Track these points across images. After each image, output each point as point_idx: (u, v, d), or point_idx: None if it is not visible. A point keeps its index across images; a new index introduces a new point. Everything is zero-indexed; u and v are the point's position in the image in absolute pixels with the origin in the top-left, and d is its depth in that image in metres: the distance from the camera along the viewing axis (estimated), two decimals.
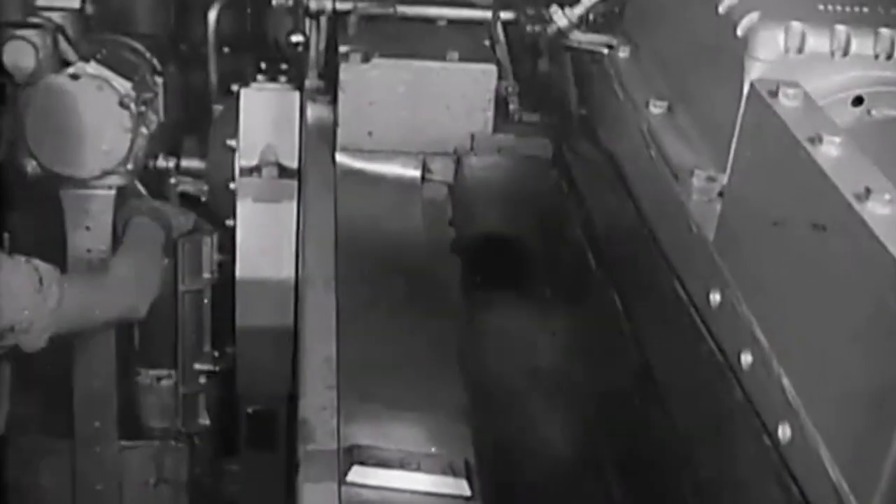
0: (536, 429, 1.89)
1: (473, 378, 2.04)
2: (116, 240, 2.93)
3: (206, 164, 3.09)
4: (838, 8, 1.73)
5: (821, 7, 1.73)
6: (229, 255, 2.99)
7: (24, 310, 2.25)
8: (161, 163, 3.09)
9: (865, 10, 1.73)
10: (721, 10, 1.78)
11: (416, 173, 2.58)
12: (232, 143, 2.91)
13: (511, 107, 2.63)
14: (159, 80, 3.04)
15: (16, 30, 2.81)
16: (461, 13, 2.70)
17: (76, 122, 2.85)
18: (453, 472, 1.81)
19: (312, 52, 2.71)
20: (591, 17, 2.38)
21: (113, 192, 2.95)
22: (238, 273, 2.90)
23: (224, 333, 3.13)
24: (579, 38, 2.32)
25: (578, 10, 2.32)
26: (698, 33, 1.88)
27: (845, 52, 1.68)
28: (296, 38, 2.68)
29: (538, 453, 1.82)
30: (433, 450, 1.85)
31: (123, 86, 2.87)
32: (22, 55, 2.79)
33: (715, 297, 1.59)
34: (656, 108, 1.96)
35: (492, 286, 2.30)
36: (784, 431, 1.36)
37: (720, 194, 1.69)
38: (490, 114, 2.58)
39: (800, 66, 1.65)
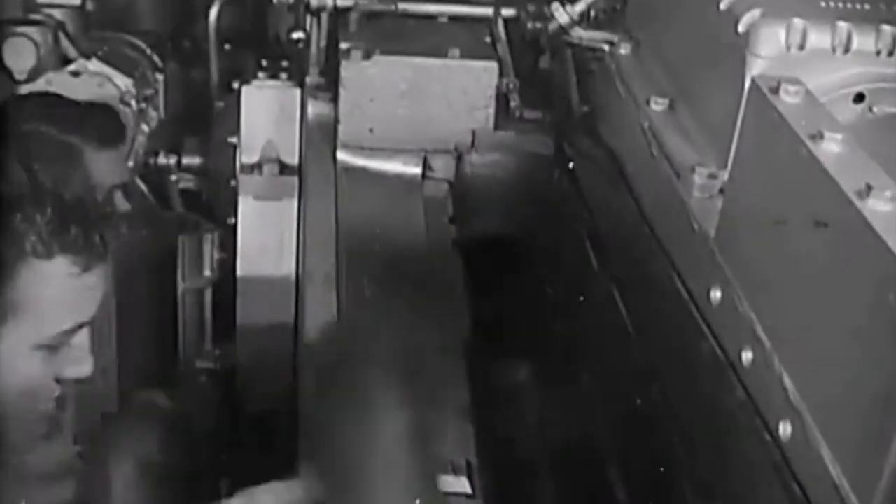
0: (536, 426, 1.88)
1: (474, 375, 2.04)
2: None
3: (207, 162, 3.09)
4: (839, 4, 1.73)
5: (822, 4, 1.73)
6: (230, 253, 2.99)
7: None
8: (162, 160, 3.09)
9: (867, 6, 1.72)
10: (722, 6, 1.77)
11: (417, 170, 2.57)
12: (233, 140, 2.90)
13: (512, 104, 2.62)
14: (160, 77, 3.05)
15: (17, 27, 2.82)
16: (462, 10, 2.69)
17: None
18: (454, 471, 1.80)
19: (313, 49, 2.70)
20: (592, 13, 2.38)
21: None
22: (239, 270, 2.89)
23: (225, 331, 3.13)
24: (581, 34, 2.31)
25: (580, 7, 2.32)
26: (700, 30, 1.87)
27: (847, 49, 1.67)
28: (297, 34, 2.68)
29: (538, 451, 1.82)
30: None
31: (124, 83, 2.87)
32: (23, 52, 2.79)
33: (716, 295, 1.58)
34: (657, 106, 1.95)
35: (492, 283, 2.29)
36: (785, 429, 1.36)
37: (721, 191, 1.68)
38: (491, 111, 2.57)
39: (801, 62, 1.65)
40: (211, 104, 3.13)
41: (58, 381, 1.71)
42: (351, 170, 2.56)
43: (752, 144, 1.52)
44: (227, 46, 3.18)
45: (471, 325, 2.16)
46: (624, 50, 2.18)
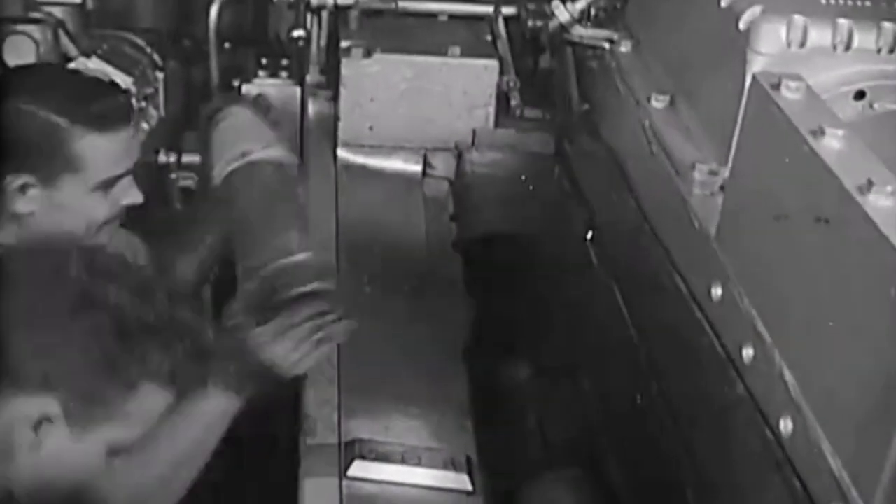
0: (537, 423, 1.89)
1: (474, 373, 2.04)
2: None
3: (207, 160, 3.08)
4: (840, 2, 1.73)
5: (823, 1, 1.73)
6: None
7: None
8: (162, 158, 3.08)
9: (867, 3, 1.73)
10: (723, 4, 1.78)
11: (418, 168, 2.58)
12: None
13: (513, 102, 2.62)
14: (160, 75, 3.04)
15: (17, 25, 2.81)
16: (462, 8, 2.69)
17: None
18: (455, 467, 1.80)
19: (314, 48, 2.70)
20: (592, 12, 2.38)
21: None
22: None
23: None
24: (581, 32, 2.32)
25: (580, 5, 2.32)
26: (700, 27, 1.88)
27: (847, 46, 1.68)
28: (297, 32, 2.68)
29: (539, 449, 1.82)
30: (434, 444, 1.85)
31: (125, 81, 2.86)
32: (23, 50, 2.79)
33: (716, 292, 1.59)
34: (658, 103, 1.95)
35: (492, 281, 2.29)
36: (786, 425, 1.36)
37: (722, 188, 1.69)
38: (491, 109, 2.58)
39: (802, 59, 1.65)
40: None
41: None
42: (351, 168, 2.56)
43: (753, 140, 1.53)
44: (227, 45, 3.18)
45: (470, 322, 2.16)
46: (624, 48, 2.18)
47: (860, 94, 1.68)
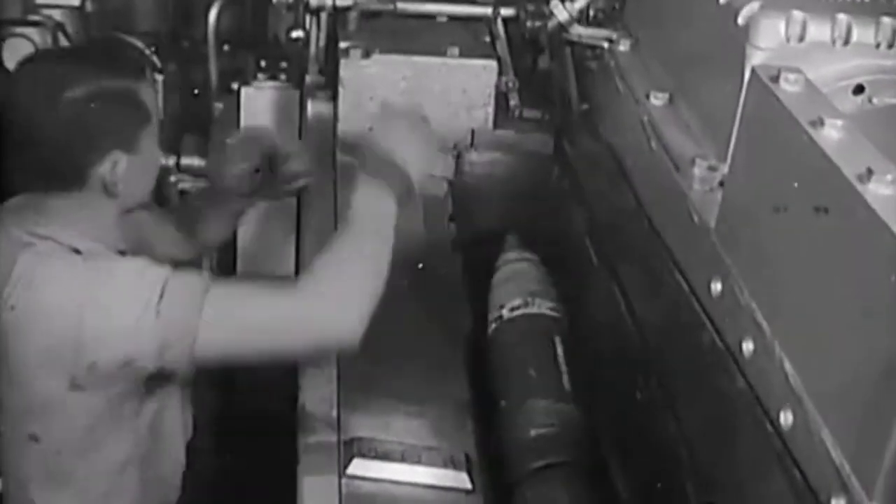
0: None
1: (474, 372, 2.04)
2: None
3: (206, 163, 3.08)
4: None
5: None
6: (229, 253, 2.99)
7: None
8: (161, 161, 3.08)
9: None
10: (722, 0, 1.77)
11: None
12: (232, 141, 2.89)
13: (511, 103, 2.62)
14: (159, 77, 3.04)
15: (16, 27, 2.82)
16: (461, 9, 2.69)
17: None
18: (454, 465, 1.80)
19: (312, 49, 2.70)
20: (591, 13, 2.38)
21: None
22: (239, 270, 2.89)
23: None
24: (580, 32, 2.32)
25: (579, 5, 2.32)
26: (699, 24, 1.88)
27: (846, 41, 1.67)
28: (296, 33, 2.68)
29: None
30: (434, 443, 1.85)
31: None
32: (22, 53, 2.78)
33: (716, 287, 1.58)
34: (657, 100, 1.95)
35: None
36: (786, 417, 1.36)
37: (721, 184, 1.68)
38: (490, 110, 2.58)
39: (801, 54, 1.65)
40: (210, 105, 3.13)
41: None
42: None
43: (752, 133, 1.52)
44: (226, 47, 3.18)
45: (471, 322, 2.16)
46: (623, 46, 2.19)
47: (859, 89, 1.67)
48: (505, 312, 2.05)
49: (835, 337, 1.28)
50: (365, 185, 1.84)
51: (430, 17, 2.70)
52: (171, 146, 3.10)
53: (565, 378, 1.89)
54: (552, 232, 2.36)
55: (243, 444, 2.93)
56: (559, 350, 1.95)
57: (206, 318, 1.73)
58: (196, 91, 3.22)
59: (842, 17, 1.68)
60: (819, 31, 1.67)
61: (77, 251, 1.80)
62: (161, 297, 1.74)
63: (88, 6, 2.93)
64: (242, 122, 2.87)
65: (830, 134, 1.33)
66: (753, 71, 1.53)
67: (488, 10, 2.64)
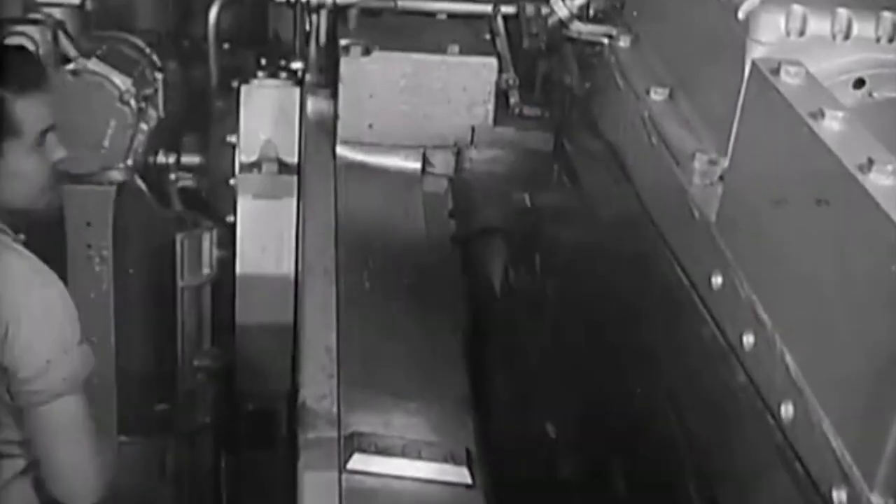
0: (538, 414, 1.88)
1: (475, 367, 2.03)
2: (117, 235, 2.94)
3: (206, 161, 3.09)
4: None
5: None
6: (229, 252, 2.99)
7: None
8: (161, 159, 3.09)
9: None
10: None
11: (417, 166, 2.58)
12: (232, 139, 2.90)
13: (511, 100, 2.62)
14: (159, 76, 3.05)
15: (16, 26, 2.82)
16: (461, 6, 2.70)
17: (76, 119, 2.84)
18: (454, 461, 1.80)
19: (313, 46, 2.70)
20: (591, 13, 2.38)
21: (113, 188, 2.95)
22: (238, 269, 2.89)
23: (224, 330, 3.12)
24: (580, 28, 2.32)
25: (579, 1, 2.32)
26: (699, 19, 1.87)
27: (847, 35, 1.67)
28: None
29: (539, 439, 1.82)
30: (434, 438, 1.85)
31: (124, 82, 2.87)
32: None
33: (717, 280, 1.58)
34: (657, 95, 1.95)
35: (492, 278, 2.29)
36: (787, 410, 1.35)
37: (721, 178, 1.68)
38: (490, 107, 2.58)
39: (801, 48, 1.64)
40: (210, 103, 3.13)
41: None
42: (350, 165, 2.56)
43: (753, 126, 1.52)
44: (226, 45, 3.19)
45: (470, 318, 2.16)
46: (623, 42, 2.18)
47: (860, 83, 1.67)
48: None
49: (836, 329, 1.28)
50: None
51: (431, 14, 2.70)
52: (172, 144, 3.12)
53: None
54: (552, 229, 2.36)
55: (243, 448, 2.94)
56: None
57: None
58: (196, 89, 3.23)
59: (842, 11, 1.67)
60: (819, 25, 1.67)
61: None
62: None
63: (89, 5, 2.93)
64: (242, 120, 2.87)
65: (831, 126, 1.33)
66: (754, 64, 1.53)
67: (488, 8, 2.65)
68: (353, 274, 2.19)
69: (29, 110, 2.11)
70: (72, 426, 2.18)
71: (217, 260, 3.14)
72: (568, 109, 2.46)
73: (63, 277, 2.29)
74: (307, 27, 2.69)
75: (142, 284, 3.13)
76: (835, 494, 1.23)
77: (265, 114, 2.88)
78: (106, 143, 2.89)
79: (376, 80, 2.54)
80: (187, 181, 3.13)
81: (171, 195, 3.13)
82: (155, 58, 3.07)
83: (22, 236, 2.23)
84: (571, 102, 2.43)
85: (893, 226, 1.16)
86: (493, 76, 2.56)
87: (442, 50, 2.55)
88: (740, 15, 1.72)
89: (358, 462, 1.77)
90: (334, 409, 1.86)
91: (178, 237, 3.06)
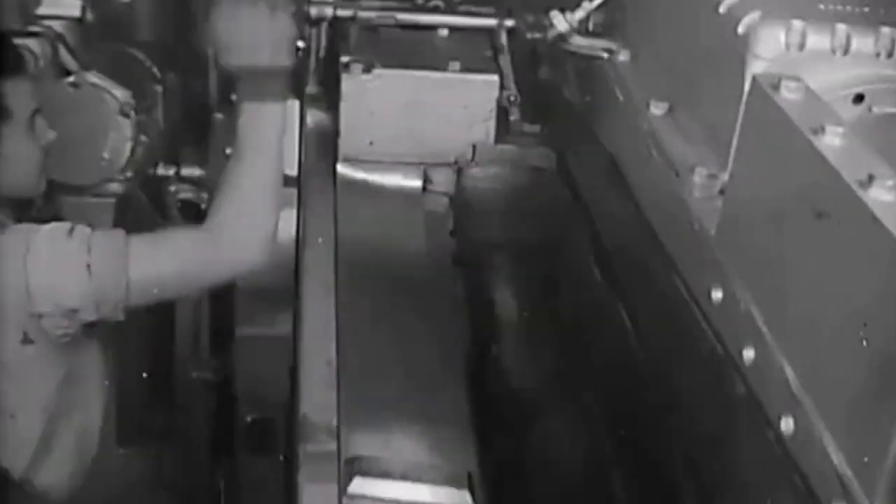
0: (539, 427, 1.88)
1: (477, 385, 2.03)
2: None
3: (206, 173, 3.09)
4: (839, 7, 1.73)
5: (821, 6, 1.73)
6: None
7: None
8: (161, 171, 3.09)
9: (866, 9, 1.73)
10: (721, 9, 1.78)
11: (418, 184, 2.56)
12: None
13: (512, 117, 2.62)
14: (159, 88, 3.05)
15: (16, 38, 2.82)
16: (462, 21, 2.69)
17: (76, 131, 2.85)
18: (456, 484, 1.79)
19: (313, 60, 2.70)
20: (590, 27, 2.38)
21: (113, 200, 2.95)
22: (237, 281, 2.89)
23: (222, 341, 3.12)
24: (580, 42, 2.32)
25: (579, 15, 2.32)
26: (699, 34, 1.88)
27: (846, 50, 1.68)
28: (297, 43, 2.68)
29: (541, 451, 1.81)
30: (435, 460, 1.84)
31: (124, 94, 2.87)
32: None
33: (717, 294, 1.58)
34: (657, 109, 1.96)
35: (494, 296, 2.29)
36: (787, 424, 1.36)
37: (721, 192, 1.68)
38: (492, 124, 2.57)
39: (801, 63, 1.65)
40: (210, 115, 3.13)
41: None
42: (351, 182, 2.56)
43: (753, 141, 1.53)
44: None
45: (471, 337, 2.15)
46: (623, 57, 2.19)
47: (859, 98, 1.68)
48: None
49: (836, 343, 1.28)
50: (246, 113, 2.18)
51: (432, 28, 2.69)
52: (172, 156, 3.12)
53: None
54: (554, 245, 2.36)
55: (241, 459, 2.93)
56: None
57: (133, 274, 2.09)
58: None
59: (841, 26, 1.68)
60: (819, 40, 1.67)
61: None
62: (89, 254, 2.07)
63: (88, 17, 2.93)
64: None
65: (832, 141, 1.33)
66: (754, 79, 1.53)
67: (490, 23, 2.64)
68: (353, 293, 2.17)
69: (15, 93, 2.18)
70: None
71: None
72: (568, 123, 2.46)
73: None
74: (307, 39, 2.69)
75: None
76: None
77: None
78: (106, 155, 2.89)
79: (377, 97, 2.53)
80: (187, 193, 3.13)
81: (171, 207, 3.13)
82: (155, 70, 3.08)
83: None
84: (572, 116, 2.43)
85: (894, 241, 1.16)
86: (495, 93, 2.54)
87: (443, 67, 2.54)
88: (740, 30, 1.72)
89: (358, 486, 1.76)
90: (334, 422, 1.86)
91: None
